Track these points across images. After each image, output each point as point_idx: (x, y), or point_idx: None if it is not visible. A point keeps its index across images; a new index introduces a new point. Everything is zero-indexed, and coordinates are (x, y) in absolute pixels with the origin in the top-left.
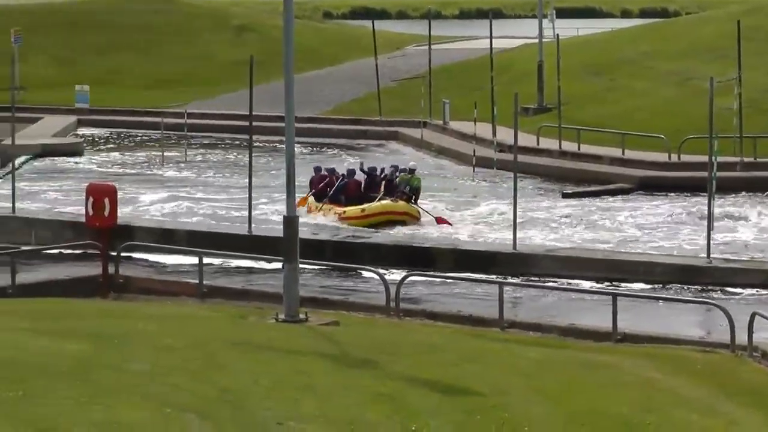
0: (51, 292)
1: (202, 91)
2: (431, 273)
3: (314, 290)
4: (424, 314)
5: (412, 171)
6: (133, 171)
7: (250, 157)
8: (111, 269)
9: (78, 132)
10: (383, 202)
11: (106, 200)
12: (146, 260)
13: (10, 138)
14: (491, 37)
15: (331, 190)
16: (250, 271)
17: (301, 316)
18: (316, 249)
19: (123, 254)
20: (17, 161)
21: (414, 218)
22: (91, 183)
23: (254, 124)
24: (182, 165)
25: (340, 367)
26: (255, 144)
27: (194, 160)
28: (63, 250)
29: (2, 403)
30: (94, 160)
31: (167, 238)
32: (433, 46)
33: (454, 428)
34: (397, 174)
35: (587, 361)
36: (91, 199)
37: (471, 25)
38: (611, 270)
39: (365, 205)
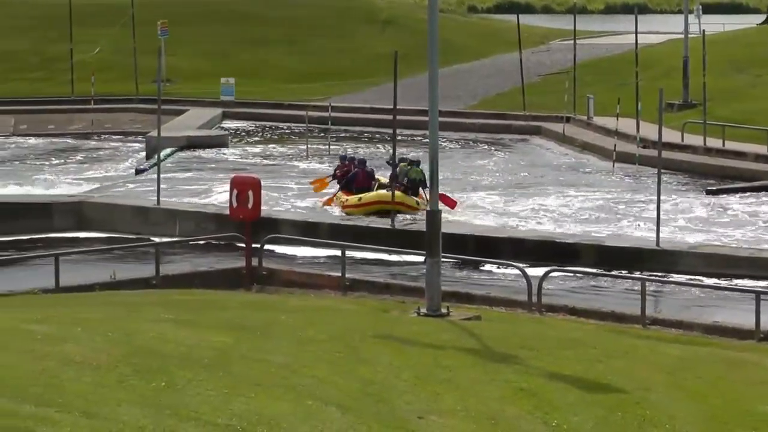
0: (194, 284)
1: (348, 84)
2: (574, 269)
3: (456, 284)
4: (566, 310)
5: (412, 163)
6: (276, 163)
7: (394, 150)
8: (254, 261)
9: (223, 124)
10: (379, 191)
11: (250, 192)
12: (289, 253)
13: (156, 130)
14: (636, 33)
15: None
16: (392, 264)
17: (443, 310)
18: (458, 243)
19: (266, 246)
20: (162, 153)
21: (410, 208)
22: (235, 175)
23: (398, 117)
24: (325, 158)
25: (481, 361)
26: (398, 137)
27: (338, 153)
28: (206, 242)
29: (145, 393)
30: (238, 153)
31: (310, 230)
32: (578, 41)
33: (595, 424)
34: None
35: (730, 358)
36: (235, 192)
37: (616, 20)
38: (755, 268)
39: (362, 194)
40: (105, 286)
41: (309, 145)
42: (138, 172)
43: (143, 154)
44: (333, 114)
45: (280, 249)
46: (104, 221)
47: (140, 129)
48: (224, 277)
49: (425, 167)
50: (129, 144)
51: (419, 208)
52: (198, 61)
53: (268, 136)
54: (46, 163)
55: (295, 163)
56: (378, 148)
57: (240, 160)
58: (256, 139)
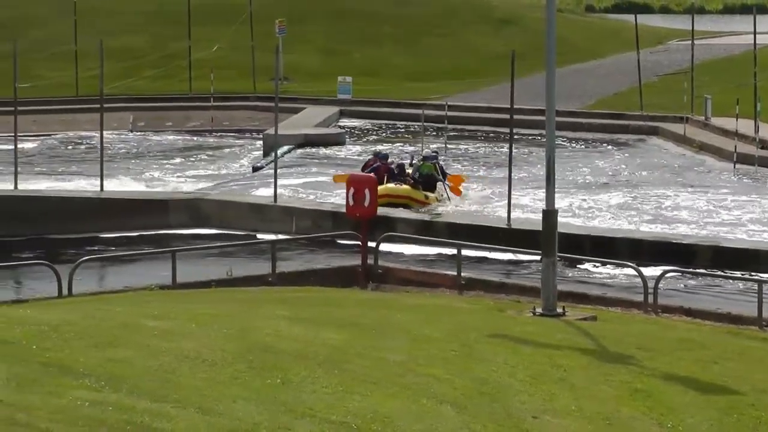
0: (310, 281)
1: (464, 83)
2: (690, 270)
3: (572, 284)
4: (682, 311)
5: (425, 158)
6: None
7: (510, 150)
8: (370, 259)
9: (340, 123)
10: (387, 185)
11: (367, 191)
12: (405, 251)
13: (274, 128)
14: (755, 33)
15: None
16: (508, 263)
17: (559, 310)
18: (574, 243)
19: (382, 245)
20: (279, 151)
21: (418, 202)
22: (352, 173)
23: (515, 117)
24: (442, 157)
25: (596, 361)
26: (515, 136)
27: (453, 152)
28: (322, 240)
29: (261, 389)
30: (355, 151)
31: (426, 229)
32: (696, 42)
33: (710, 426)
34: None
35: None
36: (351, 190)
37: (734, 20)
38: None
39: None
40: (221, 282)
41: (424, 145)
42: (255, 169)
43: (260, 151)
44: (449, 113)
45: (395, 247)
46: (220, 218)
47: (257, 126)
48: (340, 274)
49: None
50: (246, 141)
51: (428, 202)
52: (315, 59)
53: (384, 134)
54: (163, 160)
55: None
56: (495, 147)
57: (357, 158)
58: (373, 137)
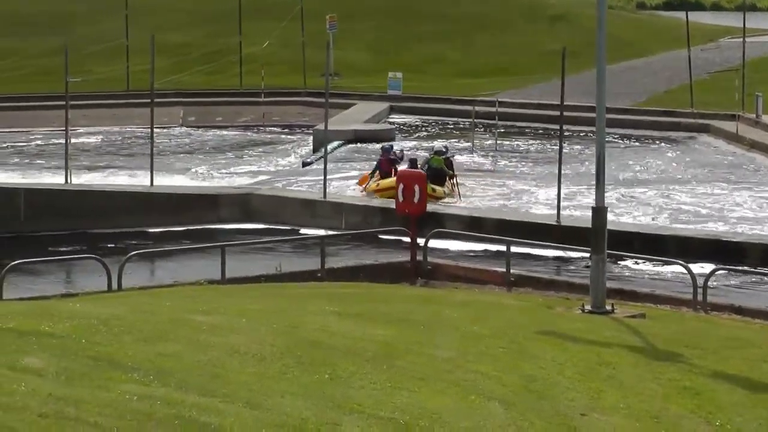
0: (359, 277)
1: (516, 80)
2: (740, 268)
3: (621, 282)
4: (731, 309)
5: (437, 152)
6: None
7: (560, 147)
8: (419, 255)
9: (390, 119)
10: (393, 178)
11: (416, 187)
12: (454, 247)
13: (324, 123)
14: None
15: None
16: (557, 260)
17: (608, 307)
18: (623, 240)
19: (431, 241)
20: (329, 146)
21: (429, 195)
22: (401, 170)
23: (565, 114)
24: (492, 153)
25: (644, 359)
26: (566, 133)
27: (504, 149)
28: (372, 235)
29: (309, 385)
30: (404, 147)
31: (475, 225)
32: (747, 39)
33: (759, 425)
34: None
35: None
36: (401, 186)
37: None
38: None
39: (381, 180)
40: (270, 278)
41: (475, 141)
42: (305, 164)
43: (310, 147)
44: (500, 109)
45: (444, 244)
46: (270, 213)
47: (308, 122)
48: (389, 270)
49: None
50: (296, 137)
51: (435, 195)
52: (365, 55)
53: (434, 131)
54: (213, 155)
55: (462, 158)
56: (546, 144)
57: (406, 154)
58: (423, 133)
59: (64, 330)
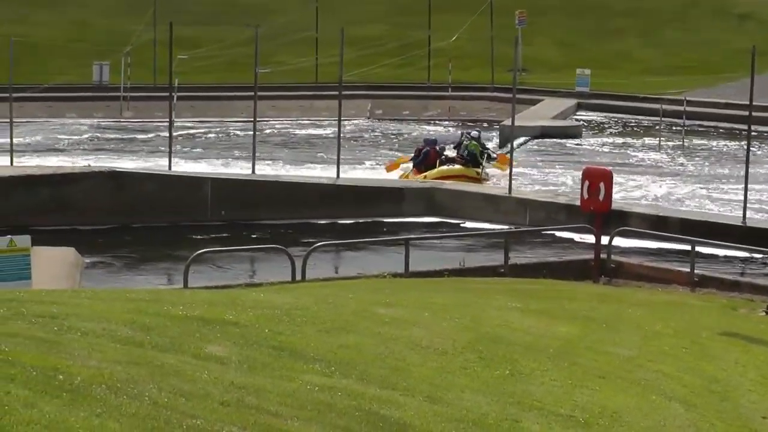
0: (541, 273)
1: (703, 78)
2: None
3: None
4: None
5: (472, 138)
6: (630, 156)
7: (748, 147)
8: (603, 253)
9: (577, 115)
10: (440, 168)
11: (602, 184)
12: (637, 246)
13: (510, 119)
14: None
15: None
16: (743, 261)
17: None
18: None
19: (615, 239)
20: (516, 142)
21: (472, 179)
22: (587, 167)
23: (754, 114)
24: (679, 152)
25: None
26: (753, 133)
27: (691, 148)
28: (555, 233)
29: (490, 380)
30: (591, 144)
31: (660, 224)
32: None
33: None
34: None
35: None
36: (586, 183)
37: None
38: None
39: (427, 172)
40: (453, 272)
41: (662, 140)
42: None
43: (496, 142)
44: (688, 108)
45: (627, 242)
46: (454, 208)
47: (494, 117)
48: (572, 268)
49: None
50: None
51: (478, 177)
52: (554, 51)
53: (621, 129)
54: (402, 147)
55: (649, 157)
56: (736, 144)
57: (593, 149)
58: (610, 131)
59: (247, 319)
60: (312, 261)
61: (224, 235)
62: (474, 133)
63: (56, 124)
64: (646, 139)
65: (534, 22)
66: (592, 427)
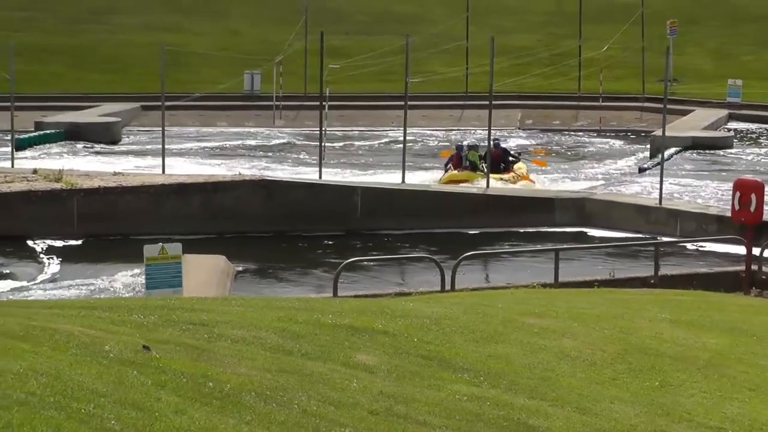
0: (692, 284)
1: None
2: None
3: None
4: None
5: (470, 147)
6: None
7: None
8: (754, 265)
9: (728, 126)
10: (450, 172)
11: (753, 196)
12: None
13: (661, 129)
14: None
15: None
16: None
17: None
18: None
19: (767, 251)
20: (666, 153)
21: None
22: (739, 178)
23: None
24: None
25: None
26: None
27: None
28: (706, 244)
29: (639, 391)
30: (743, 155)
31: None
32: None
33: None
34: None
35: None
36: (738, 194)
37: None
38: None
39: (445, 175)
40: (603, 282)
41: None
42: (641, 170)
43: (647, 152)
44: None
45: None
46: (605, 218)
47: (645, 128)
48: (722, 279)
49: None
50: (633, 143)
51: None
52: (706, 61)
53: None
54: (553, 157)
55: None
56: None
57: (746, 159)
58: (763, 141)
59: (396, 328)
60: (461, 270)
61: (371, 244)
62: (468, 142)
63: (207, 133)
64: None
65: (687, 31)
66: None
